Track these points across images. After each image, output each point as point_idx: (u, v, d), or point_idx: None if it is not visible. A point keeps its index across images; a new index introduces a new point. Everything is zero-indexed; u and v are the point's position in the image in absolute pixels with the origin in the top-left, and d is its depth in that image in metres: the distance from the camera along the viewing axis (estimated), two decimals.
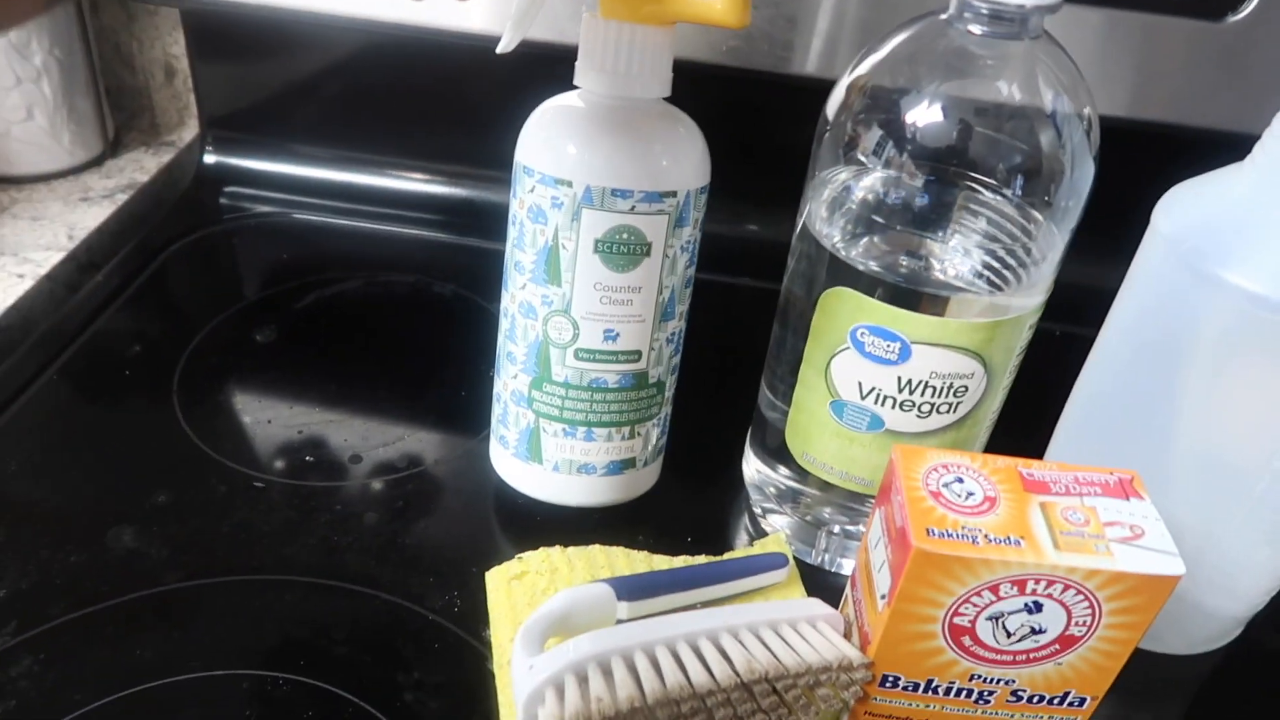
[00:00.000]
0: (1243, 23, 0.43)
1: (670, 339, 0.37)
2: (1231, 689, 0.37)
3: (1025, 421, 0.38)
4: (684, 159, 0.34)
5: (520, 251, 0.35)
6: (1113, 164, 0.42)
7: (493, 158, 0.58)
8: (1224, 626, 0.37)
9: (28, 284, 0.50)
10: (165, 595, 0.36)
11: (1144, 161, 0.42)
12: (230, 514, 0.39)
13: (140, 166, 0.61)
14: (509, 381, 0.38)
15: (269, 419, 0.44)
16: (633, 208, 0.33)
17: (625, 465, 0.38)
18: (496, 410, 0.39)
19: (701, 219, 0.35)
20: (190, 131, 0.65)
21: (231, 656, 0.34)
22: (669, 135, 0.34)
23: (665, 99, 0.34)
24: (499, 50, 0.30)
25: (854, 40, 0.48)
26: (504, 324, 0.37)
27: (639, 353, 0.35)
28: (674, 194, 0.33)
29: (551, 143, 0.33)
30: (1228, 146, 0.34)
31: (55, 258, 0.52)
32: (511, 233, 0.35)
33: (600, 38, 0.32)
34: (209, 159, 0.61)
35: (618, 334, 0.35)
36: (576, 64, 0.33)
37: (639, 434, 0.38)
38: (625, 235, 0.33)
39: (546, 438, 0.37)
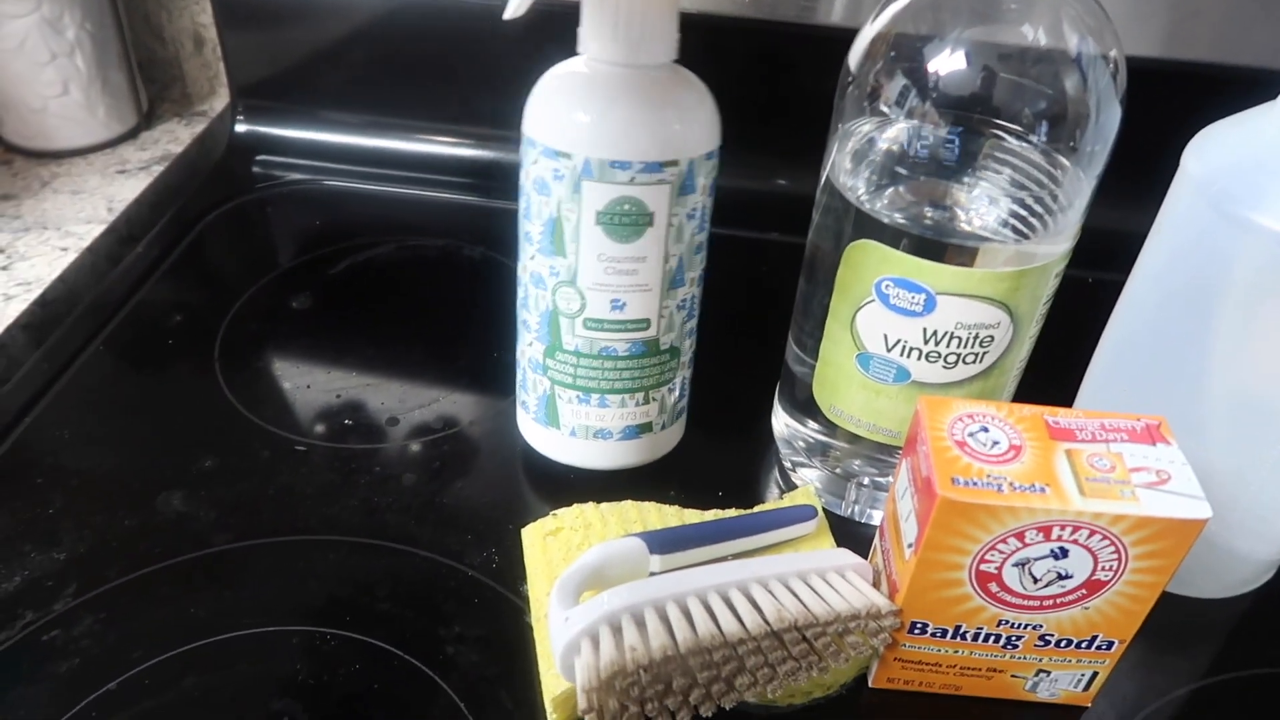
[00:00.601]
0: None
1: (682, 305, 0.37)
2: (1265, 632, 0.37)
3: (1055, 369, 0.38)
4: (687, 126, 0.33)
5: (528, 222, 0.35)
6: (1146, 105, 0.41)
7: (517, 119, 0.58)
8: (1257, 570, 0.37)
9: (71, 257, 0.51)
10: (215, 556, 0.37)
11: (1178, 102, 0.41)
12: (274, 477, 0.41)
13: (174, 137, 0.62)
14: (525, 349, 0.38)
15: (308, 384, 0.45)
16: (632, 179, 0.32)
17: (642, 429, 0.39)
18: (518, 375, 0.40)
19: (712, 184, 0.35)
20: (221, 101, 0.65)
21: (280, 614, 0.35)
22: (672, 102, 0.33)
23: (675, 61, 0.33)
24: (505, 17, 0.30)
25: None
26: (519, 292, 0.37)
27: (647, 321, 0.36)
28: (675, 163, 0.33)
29: (551, 114, 0.33)
30: (1265, 84, 0.33)
31: (96, 230, 0.54)
32: (521, 203, 0.35)
33: (599, 2, 0.32)
34: (240, 128, 0.62)
35: (624, 303, 0.35)
36: (579, 30, 0.33)
37: (654, 399, 0.38)
38: (627, 207, 0.33)
39: (562, 404, 0.38)
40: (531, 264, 0.36)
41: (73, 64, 0.58)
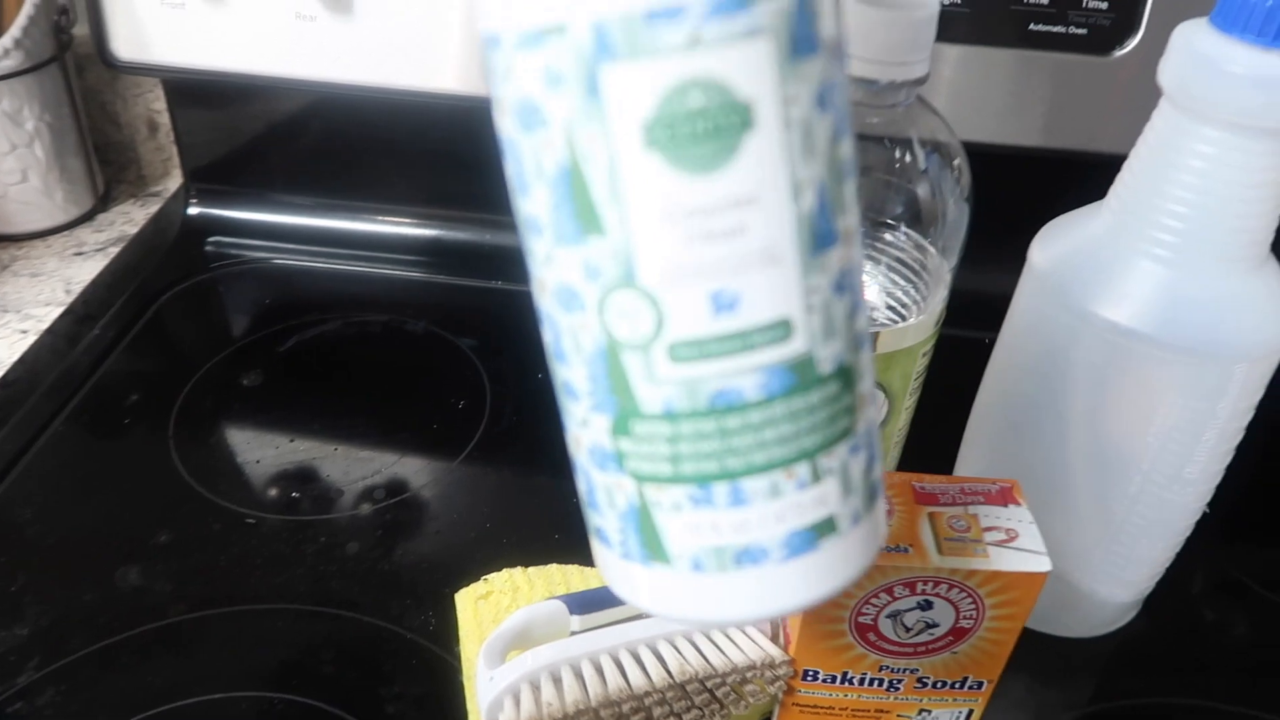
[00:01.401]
0: (1127, 57, 0.47)
1: (841, 283, 0.21)
2: (1129, 666, 0.41)
3: (945, 428, 0.42)
4: None
5: (527, 197, 0.21)
6: (1021, 182, 0.46)
7: (461, 199, 0.62)
8: (1119, 610, 0.41)
9: (31, 339, 0.54)
10: (171, 627, 0.40)
11: (1051, 180, 0.46)
12: (226, 549, 0.43)
13: (129, 219, 0.65)
14: (579, 433, 0.23)
15: (258, 459, 0.48)
16: (694, 36, 0.18)
17: (819, 532, 0.22)
18: (580, 484, 0.24)
19: (839, 42, 0.20)
20: (175, 182, 0.69)
21: (233, 680, 0.38)
22: None
23: None
24: None
25: None
26: (545, 338, 0.22)
27: (787, 323, 0.20)
28: None
29: None
30: (1117, 167, 0.38)
31: (55, 312, 0.56)
32: (508, 171, 0.21)
33: None
34: (193, 210, 0.65)
35: (738, 295, 0.20)
36: None
37: (828, 471, 0.22)
38: (698, 99, 0.18)
39: (664, 515, 0.22)
40: (551, 272, 0.21)
41: (32, 153, 0.61)
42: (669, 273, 0.19)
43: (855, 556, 0.23)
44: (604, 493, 0.23)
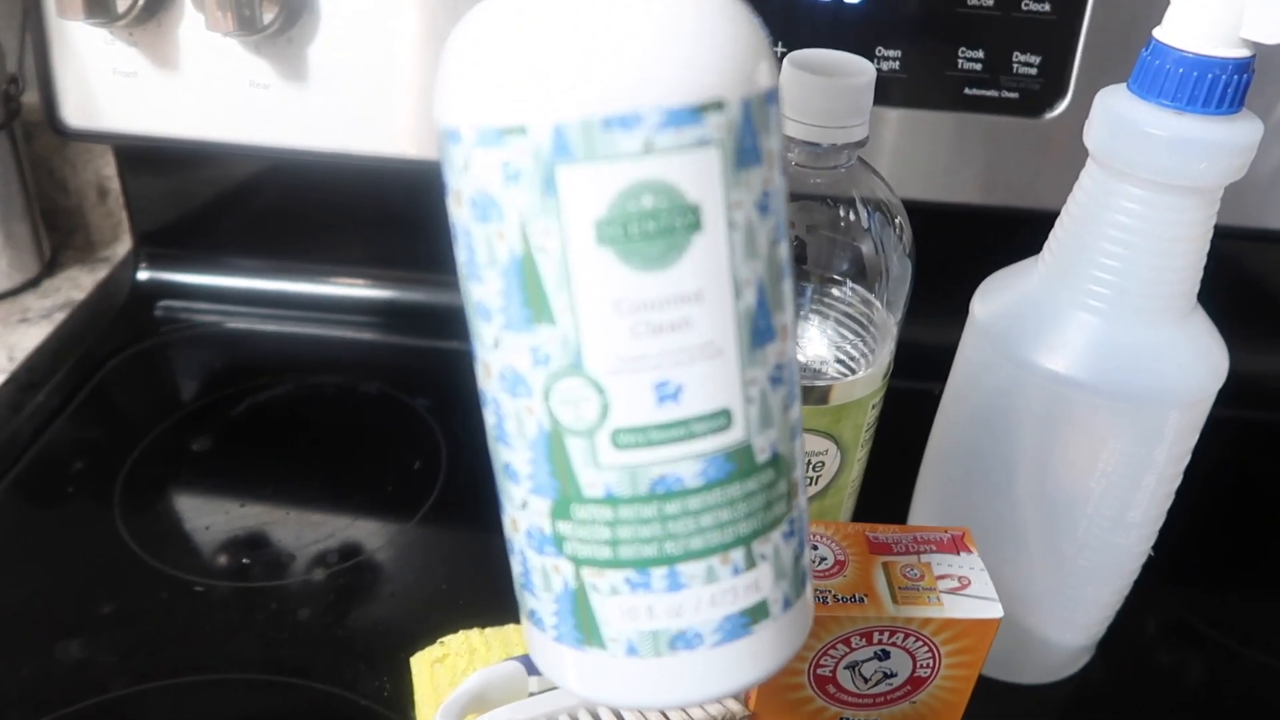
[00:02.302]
0: (1057, 119, 0.49)
1: (778, 375, 0.21)
2: (1087, 709, 0.42)
3: (898, 472, 0.43)
4: (724, 35, 0.19)
5: (476, 282, 0.21)
6: (961, 238, 0.47)
7: (412, 260, 0.63)
8: (1073, 655, 0.42)
9: None
10: (113, 701, 0.39)
11: (988, 236, 0.47)
12: (173, 619, 0.42)
13: (76, 284, 0.65)
14: (517, 517, 0.23)
15: (207, 525, 0.47)
16: (648, 144, 0.19)
17: (752, 617, 0.22)
18: (513, 566, 0.24)
19: (781, 151, 0.21)
20: (124, 247, 0.68)
21: None
22: (687, 3, 0.19)
23: None
24: None
25: None
26: (487, 419, 0.23)
27: (727, 414, 0.21)
28: (719, 105, 0.19)
29: (476, 66, 0.19)
30: (1052, 222, 0.39)
31: None
32: (459, 258, 0.21)
33: None
34: (142, 275, 0.65)
35: (680, 386, 0.20)
36: None
37: (762, 557, 0.22)
38: (648, 200, 0.19)
39: (600, 599, 0.22)
40: (497, 355, 0.21)
41: None
42: (615, 362, 0.20)
43: (785, 641, 0.23)
44: (540, 575, 0.23)
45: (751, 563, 0.22)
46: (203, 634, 0.42)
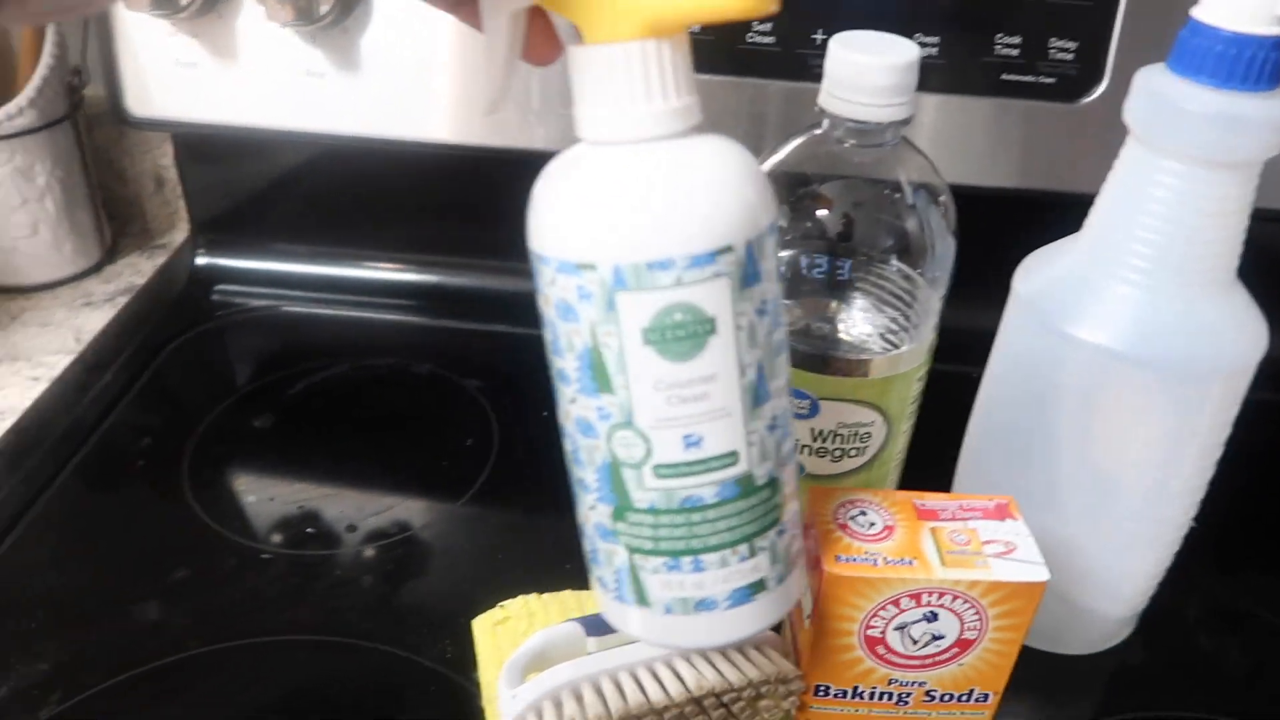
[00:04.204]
0: (1094, 103, 0.50)
1: (773, 425, 0.30)
2: (1128, 680, 0.43)
3: (939, 455, 0.44)
4: (731, 199, 0.27)
5: (559, 358, 0.29)
6: (1000, 222, 0.48)
7: (462, 245, 0.64)
8: (1114, 626, 0.43)
9: (42, 386, 0.55)
10: (189, 660, 0.41)
11: (1025, 220, 0.48)
12: (241, 584, 0.44)
13: (137, 270, 0.67)
14: (588, 512, 0.31)
15: (271, 497, 0.49)
16: (679, 279, 0.26)
17: (754, 590, 0.31)
18: (585, 544, 0.32)
19: (777, 269, 0.29)
20: (181, 234, 0.70)
21: (251, 710, 0.39)
22: (708, 173, 0.27)
23: (695, 127, 0.27)
24: (485, 114, 0.32)
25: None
26: (566, 445, 0.31)
27: (734, 454, 0.29)
28: (729, 249, 0.26)
29: (560, 219, 0.27)
30: (1089, 206, 0.40)
31: (65, 361, 0.57)
32: (546, 335, 0.29)
33: (593, 71, 0.26)
34: (200, 260, 0.67)
35: (700, 438, 0.28)
36: (574, 111, 0.27)
37: (760, 549, 0.31)
38: (679, 316, 0.27)
39: (647, 575, 0.31)
40: (574, 408, 0.29)
41: (42, 207, 0.62)
42: (655, 421, 0.28)
43: (778, 606, 0.32)
44: (604, 554, 0.32)
45: (753, 553, 0.31)
46: (270, 598, 0.44)
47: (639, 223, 0.26)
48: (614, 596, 0.32)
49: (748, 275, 0.27)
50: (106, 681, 0.40)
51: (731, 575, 0.30)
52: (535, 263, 0.28)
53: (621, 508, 0.30)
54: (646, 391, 0.28)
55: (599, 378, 0.28)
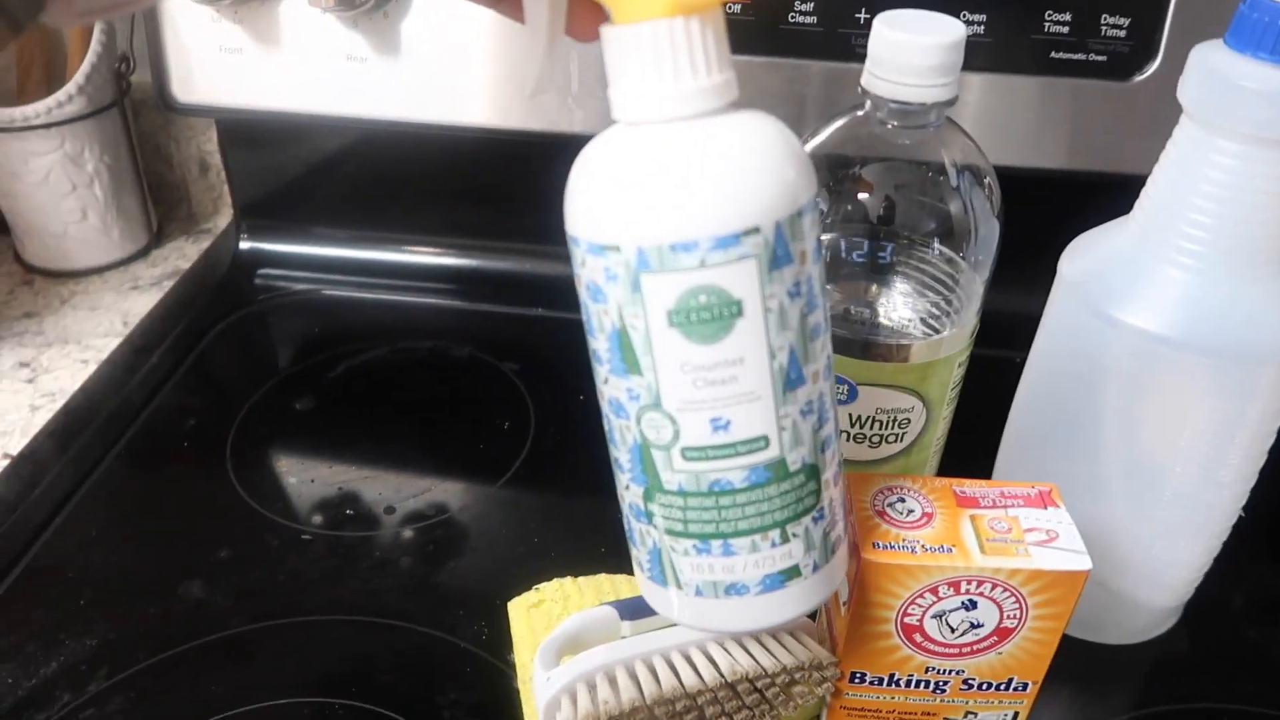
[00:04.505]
0: (1146, 82, 0.49)
1: (808, 410, 0.28)
2: (1171, 672, 0.42)
3: (980, 441, 0.43)
4: (759, 179, 0.26)
5: (593, 338, 0.29)
6: (1046, 205, 0.47)
7: (501, 230, 0.64)
8: (1160, 616, 0.42)
9: (91, 368, 0.56)
10: (232, 638, 0.41)
11: (1071, 202, 0.47)
12: (283, 564, 0.45)
13: (182, 254, 0.68)
14: (623, 492, 0.31)
15: (311, 479, 0.50)
16: (702, 261, 0.26)
17: (787, 576, 0.30)
18: (624, 523, 0.32)
19: (817, 246, 0.28)
20: (225, 219, 0.71)
21: (292, 687, 0.39)
22: (732, 154, 0.26)
23: (731, 104, 0.26)
24: (532, 95, 0.32)
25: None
26: (604, 424, 0.31)
27: (765, 439, 0.28)
28: (755, 230, 0.26)
29: (588, 199, 0.27)
30: (1139, 188, 0.39)
31: (113, 343, 0.59)
32: (583, 315, 0.29)
33: (622, 50, 0.26)
34: (243, 245, 0.68)
35: (729, 421, 0.28)
36: (609, 92, 0.27)
37: (794, 535, 0.30)
38: (704, 299, 0.26)
39: (678, 557, 0.30)
40: (607, 388, 0.29)
41: (91, 193, 0.63)
42: (682, 404, 0.28)
43: (813, 594, 0.31)
44: (639, 534, 0.31)
45: (785, 539, 0.30)
46: (311, 578, 0.44)
47: (661, 204, 0.26)
48: (649, 576, 0.32)
49: (777, 257, 0.26)
50: (152, 658, 0.40)
51: (762, 561, 0.30)
52: (570, 244, 0.28)
53: (652, 489, 0.29)
54: (673, 373, 0.27)
55: (627, 359, 0.28)
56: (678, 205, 0.26)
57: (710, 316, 0.26)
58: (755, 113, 0.27)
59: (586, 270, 0.27)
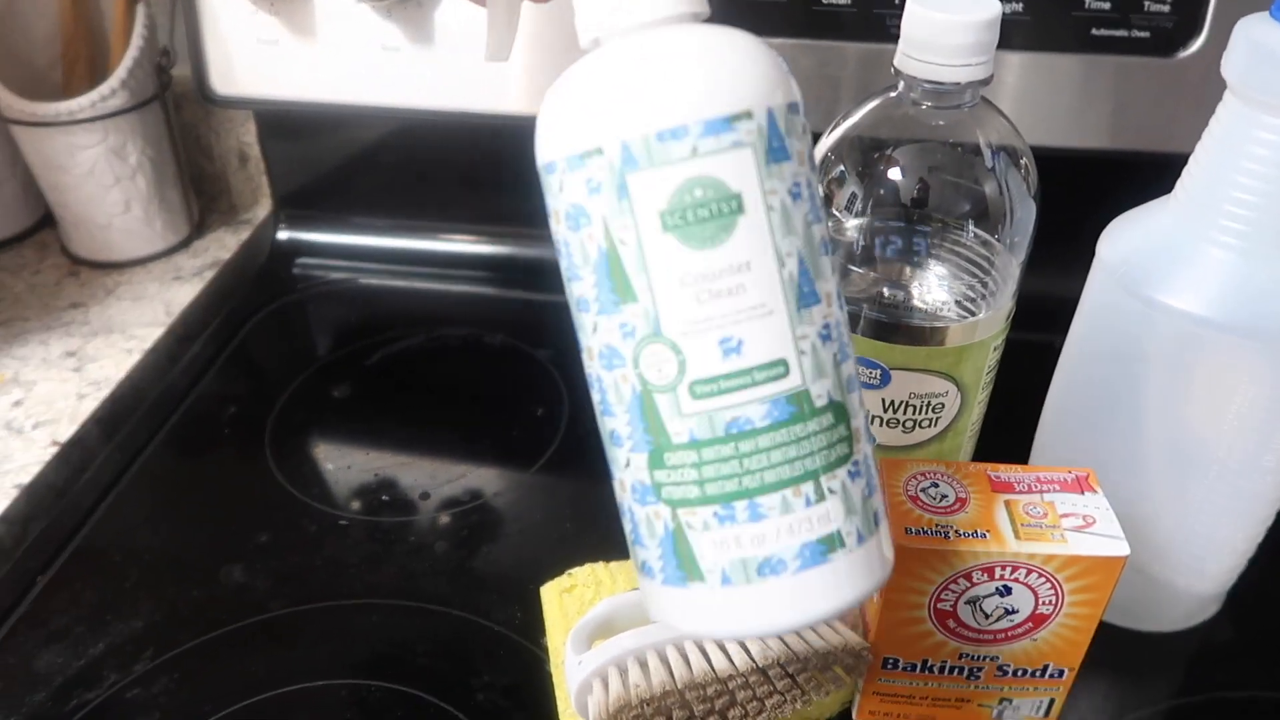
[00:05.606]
0: (1190, 58, 0.47)
1: (826, 334, 0.25)
2: (1212, 660, 0.41)
3: (1016, 425, 0.42)
4: (743, 62, 0.24)
5: (577, 283, 0.26)
6: (1085, 185, 0.46)
7: (530, 216, 0.64)
8: (1198, 604, 0.41)
9: (135, 357, 0.57)
10: (272, 620, 0.42)
11: (1117, 181, 0.46)
12: (321, 549, 0.46)
13: (223, 245, 0.69)
14: (624, 478, 0.27)
15: (349, 465, 0.51)
16: (694, 149, 0.24)
17: (828, 545, 0.25)
18: (625, 528, 0.28)
19: (810, 156, 0.26)
20: (264, 210, 0.72)
21: (330, 670, 0.40)
22: (712, 42, 0.25)
23: (700, 18, 0.25)
24: (486, 59, 0.32)
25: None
26: (594, 400, 0.27)
27: (783, 362, 0.25)
28: (748, 114, 0.24)
29: (560, 114, 0.25)
30: (1181, 167, 0.38)
31: (157, 333, 0.60)
32: (562, 266, 0.26)
33: None
34: (282, 235, 0.69)
35: (740, 341, 0.24)
36: (575, 23, 0.26)
37: (831, 490, 0.25)
38: (699, 192, 0.24)
39: (695, 535, 0.25)
40: (596, 339, 0.26)
41: (134, 185, 0.65)
42: (686, 325, 0.24)
43: (863, 573, 0.26)
44: (645, 525, 0.27)
45: (821, 495, 0.25)
46: (349, 563, 0.45)
47: (642, 91, 0.24)
48: (663, 579, 0.26)
49: (773, 149, 0.24)
50: (195, 640, 0.41)
51: (798, 524, 0.25)
52: (543, 180, 0.26)
53: (659, 449, 0.25)
54: (672, 289, 0.24)
55: (618, 285, 0.24)
56: (661, 90, 0.24)
57: (709, 214, 0.24)
58: (730, 26, 0.25)
59: (565, 196, 0.25)
